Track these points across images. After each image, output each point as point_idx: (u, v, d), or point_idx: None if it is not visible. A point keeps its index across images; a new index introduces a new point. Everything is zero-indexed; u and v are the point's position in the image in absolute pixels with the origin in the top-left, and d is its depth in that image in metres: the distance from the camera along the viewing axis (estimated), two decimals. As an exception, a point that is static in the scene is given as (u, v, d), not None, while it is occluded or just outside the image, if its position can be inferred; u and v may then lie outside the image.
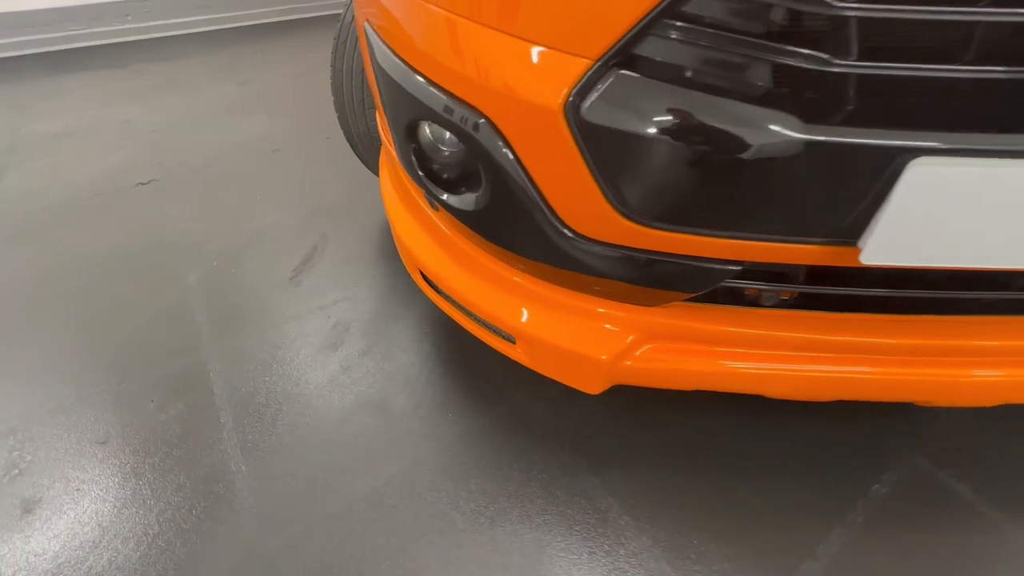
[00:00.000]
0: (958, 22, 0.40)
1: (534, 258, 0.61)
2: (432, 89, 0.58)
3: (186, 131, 1.76)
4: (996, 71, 0.41)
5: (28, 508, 0.76)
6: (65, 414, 0.88)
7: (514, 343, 0.72)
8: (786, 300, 0.63)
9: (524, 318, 0.68)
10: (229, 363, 0.96)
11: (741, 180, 0.46)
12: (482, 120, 0.54)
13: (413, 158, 0.66)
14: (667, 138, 0.45)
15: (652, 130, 0.45)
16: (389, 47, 0.64)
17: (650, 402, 0.87)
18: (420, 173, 0.66)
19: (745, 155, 0.44)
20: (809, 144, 0.43)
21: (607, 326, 0.64)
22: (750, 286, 0.59)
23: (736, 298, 0.63)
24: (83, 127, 1.77)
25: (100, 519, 0.75)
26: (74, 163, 1.59)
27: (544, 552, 0.71)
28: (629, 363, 0.65)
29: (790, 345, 0.63)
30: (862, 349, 0.62)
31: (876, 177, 0.44)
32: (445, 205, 0.65)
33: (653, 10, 0.42)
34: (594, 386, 0.68)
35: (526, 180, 0.54)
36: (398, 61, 0.62)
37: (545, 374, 0.72)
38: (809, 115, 0.43)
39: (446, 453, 0.82)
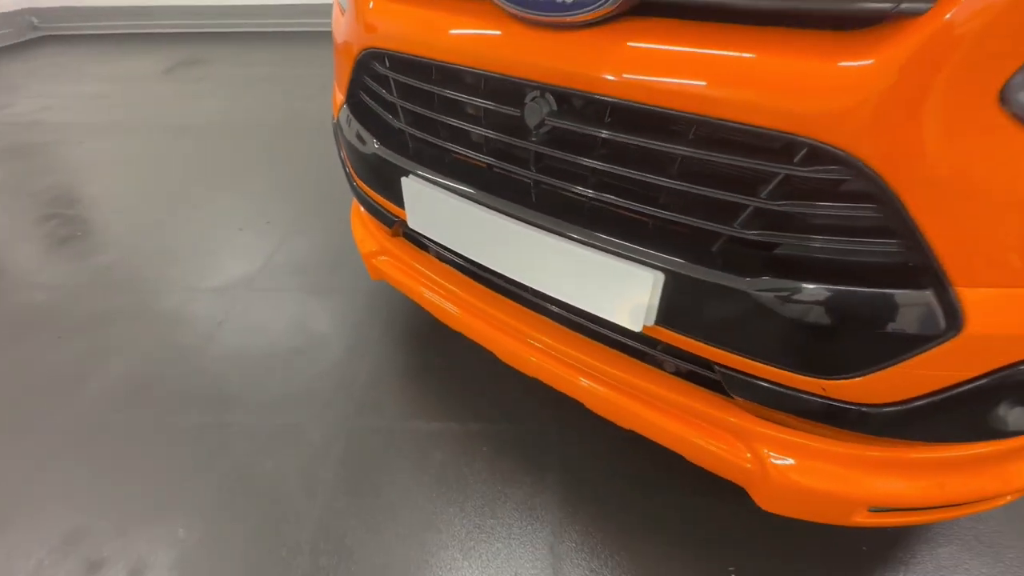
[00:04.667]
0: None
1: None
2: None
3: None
4: (479, 155, 0.83)
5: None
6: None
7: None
8: (454, 261, 1.07)
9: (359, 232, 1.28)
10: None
11: (373, 166, 0.97)
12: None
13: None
14: (349, 141, 1.00)
15: (347, 137, 1.01)
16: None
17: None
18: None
19: (365, 152, 0.96)
20: (372, 155, 0.93)
21: (368, 235, 1.19)
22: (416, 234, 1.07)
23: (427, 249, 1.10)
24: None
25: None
26: (304, 96, 2.76)
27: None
28: (376, 263, 1.19)
29: (453, 293, 1.06)
30: (485, 311, 1.01)
31: (395, 179, 0.90)
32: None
33: (351, 81, 0.97)
34: (370, 272, 1.24)
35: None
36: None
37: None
38: (382, 141, 0.92)
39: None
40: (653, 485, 1.03)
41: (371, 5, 0.85)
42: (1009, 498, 0.78)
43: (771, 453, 0.76)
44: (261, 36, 4.67)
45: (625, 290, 0.68)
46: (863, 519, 0.77)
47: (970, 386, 0.57)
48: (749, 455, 0.78)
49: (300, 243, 1.80)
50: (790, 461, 0.75)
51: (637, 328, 0.71)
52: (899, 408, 0.62)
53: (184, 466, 1.09)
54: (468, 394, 1.23)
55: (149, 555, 0.94)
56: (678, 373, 0.83)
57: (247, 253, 1.75)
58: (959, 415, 0.61)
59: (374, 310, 1.49)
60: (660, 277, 0.65)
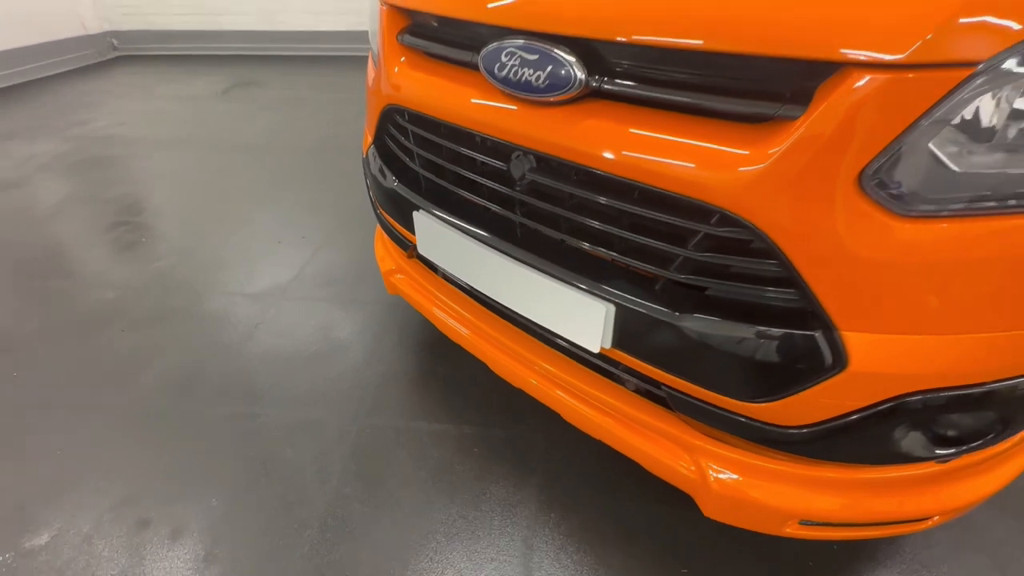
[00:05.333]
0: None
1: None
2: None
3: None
4: (475, 198, 0.99)
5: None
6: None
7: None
8: (457, 283, 1.22)
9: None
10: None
11: (391, 199, 1.14)
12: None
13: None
14: (374, 175, 1.17)
15: (373, 172, 1.18)
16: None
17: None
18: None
19: (386, 186, 1.13)
20: (392, 189, 1.09)
21: (387, 255, 1.36)
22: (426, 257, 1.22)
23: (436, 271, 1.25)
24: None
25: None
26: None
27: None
28: (393, 280, 1.35)
29: (455, 311, 1.21)
30: (481, 328, 1.16)
31: (409, 211, 1.06)
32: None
33: (377, 126, 1.15)
34: (387, 288, 1.41)
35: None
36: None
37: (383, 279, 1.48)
38: (400, 179, 1.09)
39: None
40: (624, 492, 1.14)
41: (396, 69, 1.03)
42: (936, 520, 0.86)
43: (711, 466, 0.87)
44: (309, 60, 5.05)
45: (584, 317, 0.81)
46: (794, 531, 0.86)
47: (861, 415, 0.68)
48: (693, 467, 0.89)
49: (329, 257, 1.99)
50: (727, 473, 0.86)
51: (595, 349, 0.83)
52: (808, 430, 0.73)
53: (218, 448, 1.27)
54: (467, 401, 1.37)
55: (187, 518, 1.11)
56: (637, 391, 0.95)
57: (283, 264, 1.96)
58: (859, 439, 0.71)
59: (390, 321, 1.65)
60: (612, 308, 0.78)
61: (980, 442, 0.71)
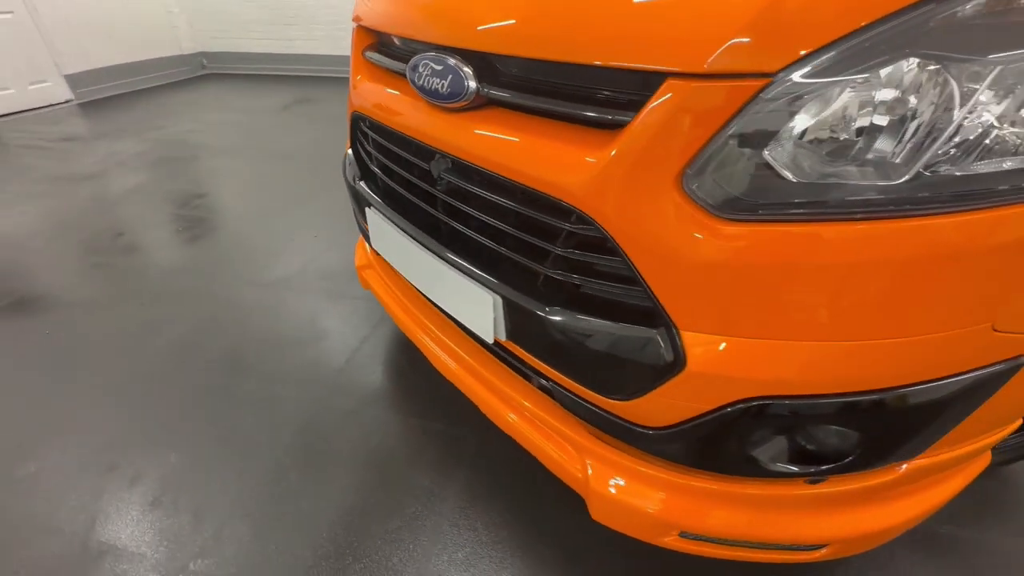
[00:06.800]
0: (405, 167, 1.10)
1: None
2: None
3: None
4: (407, 195, 1.08)
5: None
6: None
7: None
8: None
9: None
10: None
11: (359, 197, 1.25)
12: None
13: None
14: (348, 176, 1.29)
15: (347, 172, 1.30)
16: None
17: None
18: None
19: (355, 186, 1.24)
20: (355, 188, 1.20)
21: (362, 251, 1.47)
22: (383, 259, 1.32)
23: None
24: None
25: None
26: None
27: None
28: (363, 275, 1.45)
29: (403, 304, 1.30)
30: (418, 318, 1.24)
31: (363, 207, 1.16)
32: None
33: (351, 131, 1.27)
34: (360, 282, 1.51)
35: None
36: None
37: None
38: (362, 178, 1.19)
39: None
40: (544, 498, 1.15)
41: (359, 78, 1.15)
42: (827, 551, 0.82)
43: (598, 467, 0.88)
44: (369, 82, 5.43)
45: (478, 307, 0.87)
46: (673, 542, 0.85)
47: (710, 418, 0.68)
48: (581, 467, 0.90)
49: (333, 256, 2.15)
50: (612, 477, 0.86)
51: (489, 339, 0.88)
52: (666, 432, 0.73)
53: (191, 412, 1.40)
54: (418, 393, 1.44)
55: (146, 468, 1.24)
56: (541, 388, 0.97)
57: (292, 259, 2.13)
58: (714, 445, 0.71)
59: (371, 317, 1.76)
60: (499, 300, 0.83)
61: (841, 462, 0.68)
